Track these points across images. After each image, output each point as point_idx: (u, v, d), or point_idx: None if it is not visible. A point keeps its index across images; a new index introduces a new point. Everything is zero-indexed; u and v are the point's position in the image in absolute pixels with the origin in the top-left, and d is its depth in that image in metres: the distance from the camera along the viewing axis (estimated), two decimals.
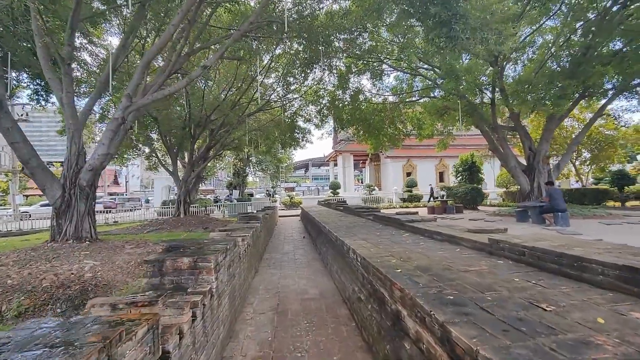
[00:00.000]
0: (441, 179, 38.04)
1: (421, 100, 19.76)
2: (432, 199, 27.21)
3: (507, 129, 14.83)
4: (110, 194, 45.66)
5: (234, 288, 4.06)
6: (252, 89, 17.13)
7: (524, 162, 13.89)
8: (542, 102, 10.96)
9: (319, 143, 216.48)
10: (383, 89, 19.71)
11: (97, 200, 31.38)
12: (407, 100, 19.01)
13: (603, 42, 11.01)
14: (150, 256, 3.25)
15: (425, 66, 17.34)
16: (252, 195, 31.01)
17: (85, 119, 9.21)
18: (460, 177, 23.14)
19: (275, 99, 18.81)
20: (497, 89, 13.09)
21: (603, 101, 13.73)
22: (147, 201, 31.84)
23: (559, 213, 9.62)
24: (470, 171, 22.48)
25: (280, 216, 21.96)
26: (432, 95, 18.85)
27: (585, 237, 6.86)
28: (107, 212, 22.13)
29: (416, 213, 8.06)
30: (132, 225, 15.52)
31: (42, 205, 28.66)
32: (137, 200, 37.96)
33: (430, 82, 18.13)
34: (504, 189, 24.66)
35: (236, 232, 5.68)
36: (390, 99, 19.73)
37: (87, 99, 11.77)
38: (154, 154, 17.04)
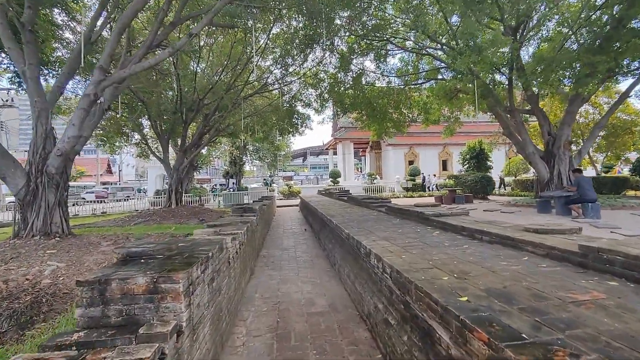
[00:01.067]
0: (444, 168, 37.14)
1: (427, 84, 18.65)
2: (427, 189, 26.35)
3: (524, 112, 13.74)
4: (103, 183, 44.47)
5: (219, 307, 3.06)
6: (248, 71, 15.93)
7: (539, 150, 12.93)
8: (570, 81, 9.87)
9: (317, 131, 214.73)
10: (387, 72, 18.47)
11: (89, 190, 30.07)
12: (413, 83, 17.83)
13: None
14: (90, 274, 2.22)
15: (434, 47, 16.16)
16: (246, 188, 30.00)
17: (56, 98, 8.07)
18: (467, 165, 22.16)
19: (273, 82, 17.59)
20: (514, 68, 11.96)
21: (627, 81, 12.67)
22: (140, 190, 30.68)
23: (589, 204, 8.66)
24: (478, 159, 21.49)
25: (278, 206, 21.00)
26: (439, 77, 17.72)
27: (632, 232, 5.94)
28: (99, 202, 21.03)
29: (438, 204, 7.04)
30: (121, 217, 14.49)
31: None
32: (131, 190, 36.87)
33: (438, 63, 16.98)
34: (513, 178, 23.72)
35: (227, 229, 4.67)
36: (396, 81, 18.58)
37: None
38: (143, 141, 15.88)
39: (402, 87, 18.10)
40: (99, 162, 43.10)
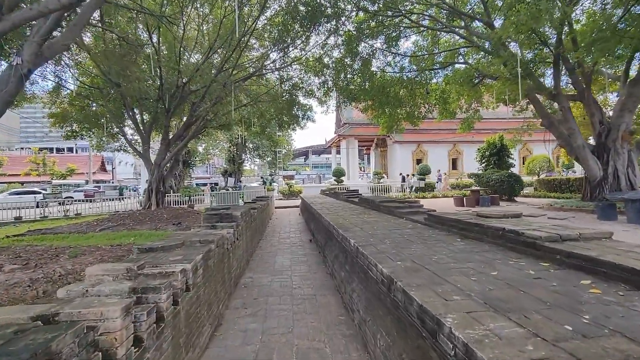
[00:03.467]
0: (454, 166, 35.01)
1: (442, 73, 16.50)
2: (409, 190, 24.11)
3: (570, 98, 11.51)
4: (96, 182, 42.50)
5: None
6: (241, 52, 13.77)
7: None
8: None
9: (319, 131, 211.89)
10: (401, 54, 16.28)
11: (77, 189, 27.98)
12: (429, 69, 15.62)
13: None
14: None
15: (457, 26, 13.96)
16: (234, 186, 27.73)
17: None
18: (486, 163, 19.96)
19: (270, 66, 15.45)
20: (563, 38, 9.76)
21: None
22: (122, 191, 28.44)
23: None
24: (499, 155, 19.29)
25: (277, 207, 18.88)
26: (460, 61, 15.54)
27: None
28: (85, 202, 18.89)
29: (463, 207, 4.87)
30: (92, 220, 12.38)
31: (12, 194, 25.55)
32: (125, 189, 34.82)
33: (460, 41, 14.81)
34: (535, 177, 21.48)
35: (164, 260, 2.54)
36: (408, 68, 16.44)
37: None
38: (120, 133, 13.76)
39: (415, 73, 15.90)
40: (92, 159, 41.11)
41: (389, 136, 34.00)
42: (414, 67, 15.80)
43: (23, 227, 11.46)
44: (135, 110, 13.31)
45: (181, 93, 12.88)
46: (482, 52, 15.98)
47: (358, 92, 14.69)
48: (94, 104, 13.61)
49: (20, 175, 34.32)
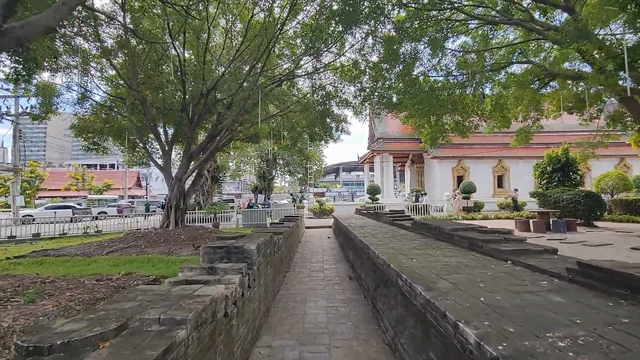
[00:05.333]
0: (499, 184, 31.88)
1: (498, 77, 14.38)
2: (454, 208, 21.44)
3: None
4: (131, 197, 43.25)
5: None
6: (271, 60, 12.58)
7: None
8: None
9: (350, 146, 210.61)
10: (448, 58, 14.41)
11: (112, 203, 27.98)
12: (482, 71, 13.57)
13: None
14: None
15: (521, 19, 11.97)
16: (264, 203, 26.27)
17: None
18: (547, 180, 17.24)
19: (302, 72, 14.14)
20: None
21: None
22: (148, 207, 28.02)
23: None
24: (564, 171, 16.58)
25: (307, 227, 17.21)
26: (518, 60, 13.40)
27: None
28: (110, 218, 18.30)
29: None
30: (108, 239, 11.30)
31: (48, 208, 25.89)
32: (157, 204, 34.85)
33: (521, 36, 12.76)
34: (609, 197, 18.30)
35: None
36: (456, 70, 14.50)
37: None
38: (141, 144, 12.82)
39: (465, 77, 13.91)
40: (127, 175, 42.01)
41: (426, 151, 31.70)
42: (463, 71, 13.83)
43: (26, 247, 10.59)
44: (156, 120, 12.36)
45: (205, 101, 11.78)
46: (547, 49, 13.83)
47: (403, 98, 12.94)
48: (117, 115, 12.84)
49: (60, 190, 35.43)
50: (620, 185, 17.72)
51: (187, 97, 11.54)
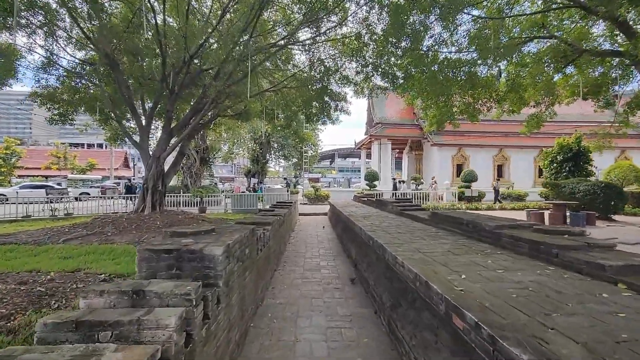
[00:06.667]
0: (499, 174, 31.00)
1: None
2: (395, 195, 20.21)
3: None
4: (118, 178, 41.48)
5: None
6: (262, 25, 11.03)
7: None
8: None
9: (346, 134, 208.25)
10: (462, 35, 12.98)
11: (94, 184, 26.37)
12: (500, 47, 12.19)
13: None
14: None
15: None
16: (254, 188, 24.70)
17: None
18: (555, 169, 16.17)
19: (299, 43, 12.61)
20: None
21: None
22: (130, 189, 26.38)
23: None
24: (575, 161, 15.51)
25: (301, 214, 15.99)
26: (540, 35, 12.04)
27: None
28: (99, 199, 16.84)
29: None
30: (71, 224, 9.92)
31: (23, 187, 24.19)
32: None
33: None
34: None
35: None
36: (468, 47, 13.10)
37: None
38: (114, 118, 11.26)
39: (478, 55, 12.53)
40: (113, 154, 40.10)
41: (426, 138, 30.53)
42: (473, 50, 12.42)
43: None
44: (132, 91, 10.83)
45: (187, 70, 10.28)
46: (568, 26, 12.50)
47: (411, 75, 11.57)
48: (87, 83, 11.29)
49: (40, 168, 33.53)
50: (631, 177, 16.72)
51: (166, 63, 10.01)
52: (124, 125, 11.37)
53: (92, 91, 11.66)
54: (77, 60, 11.48)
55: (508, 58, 12.55)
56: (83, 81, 11.35)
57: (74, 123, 11.88)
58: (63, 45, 11.22)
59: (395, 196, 18.84)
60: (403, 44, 12.04)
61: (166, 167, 11.53)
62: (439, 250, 3.36)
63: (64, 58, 13.09)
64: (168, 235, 2.99)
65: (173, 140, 11.06)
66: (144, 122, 11.17)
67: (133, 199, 17.05)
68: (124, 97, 10.45)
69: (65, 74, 11.62)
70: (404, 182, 24.64)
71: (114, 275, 4.87)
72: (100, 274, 4.87)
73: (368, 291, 4.45)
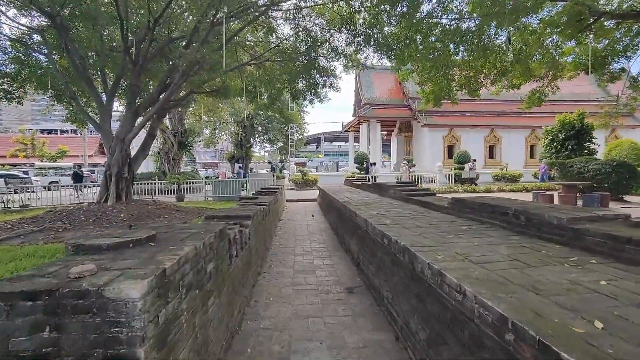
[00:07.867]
0: (491, 155, 30.48)
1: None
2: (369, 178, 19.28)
3: None
4: (93, 165, 39.10)
5: None
6: None
7: None
8: None
9: (332, 117, 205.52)
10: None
11: (66, 172, 24.39)
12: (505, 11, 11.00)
13: None
14: None
15: None
16: (239, 173, 23.27)
17: None
18: (557, 148, 15.41)
19: (282, 15, 11.15)
20: None
21: None
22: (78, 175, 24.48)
23: None
24: (577, 139, 14.76)
25: (288, 200, 14.83)
26: None
27: None
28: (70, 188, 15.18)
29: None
30: (22, 217, 8.48)
31: None
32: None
33: None
34: None
35: None
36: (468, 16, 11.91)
37: None
38: (68, 96, 9.62)
39: (479, 21, 11.33)
40: (86, 140, 37.61)
41: (416, 119, 29.52)
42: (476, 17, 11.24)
43: None
44: (87, 62, 9.24)
45: (152, 36, 8.74)
46: None
47: (396, 50, 10.38)
48: (35, 53, 9.63)
49: (6, 156, 31.01)
50: (632, 155, 16.16)
51: (125, 27, 8.44)
52: (79, 102, 9.76)
53: (44, 65, 9.98)
54: (22, 27, 9.74)
55: (514, 26, 11.42)
56: (29, 52, 9.65)
57: (21, 100, 10.19)
58: (4, 10, 9.45)
59: (368, 180, 17.64)
60: (398, 9, 10.73)
61: (134, 152, 10.11)
62: (497, 258, 2.26)
63: (5, 23, 11.21)
64: (69, 251, 1.77)
65: (140, 120, 9.59)
66: (104, 99, 9.62)
67: (82, 189, 15.45)
68: (77, 70, 8.86)
69: (9, 44, 9.91)
70: (374, 164, 23.71)
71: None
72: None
73: (381, 304, 3.37)
